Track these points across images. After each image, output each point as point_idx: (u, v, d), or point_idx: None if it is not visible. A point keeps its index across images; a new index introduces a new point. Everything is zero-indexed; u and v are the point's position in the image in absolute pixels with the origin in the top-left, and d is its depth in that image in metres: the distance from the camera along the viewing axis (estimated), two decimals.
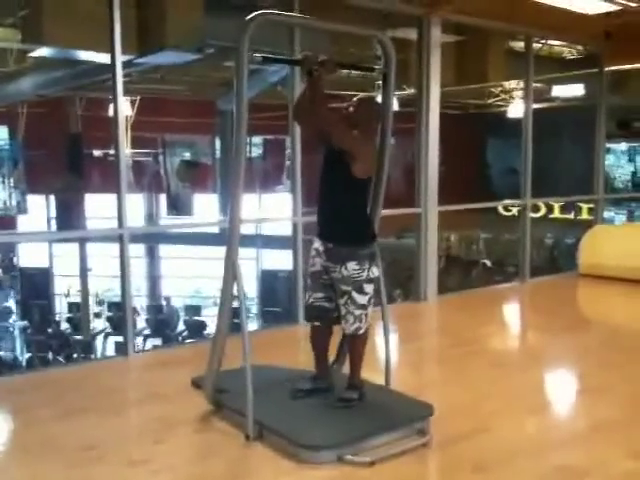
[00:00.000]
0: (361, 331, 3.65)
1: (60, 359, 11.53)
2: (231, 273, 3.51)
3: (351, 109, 3.63)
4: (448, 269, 16.54)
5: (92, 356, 11.97)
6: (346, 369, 3.90)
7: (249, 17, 3.30)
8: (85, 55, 6.63)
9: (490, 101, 15.39)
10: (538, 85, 11.97)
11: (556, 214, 17.17)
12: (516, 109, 11.82)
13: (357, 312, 3.60)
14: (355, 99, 3.71)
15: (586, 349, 5.35)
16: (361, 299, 3.59)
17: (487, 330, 5.86)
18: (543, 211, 17.21)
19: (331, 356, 4.02)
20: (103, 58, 6.21)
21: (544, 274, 8.85)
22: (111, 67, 4.88)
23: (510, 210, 15.93)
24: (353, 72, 10.79)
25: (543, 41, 9.14)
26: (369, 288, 3.62)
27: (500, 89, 14.30)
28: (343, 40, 7.04)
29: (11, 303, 15.24)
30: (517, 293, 7.76)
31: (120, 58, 4.88)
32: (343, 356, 4.03)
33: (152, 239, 16.70)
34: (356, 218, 3.67)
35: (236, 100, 3.33)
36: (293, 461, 3.25)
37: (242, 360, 3.49)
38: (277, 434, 3.41)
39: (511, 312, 7.29)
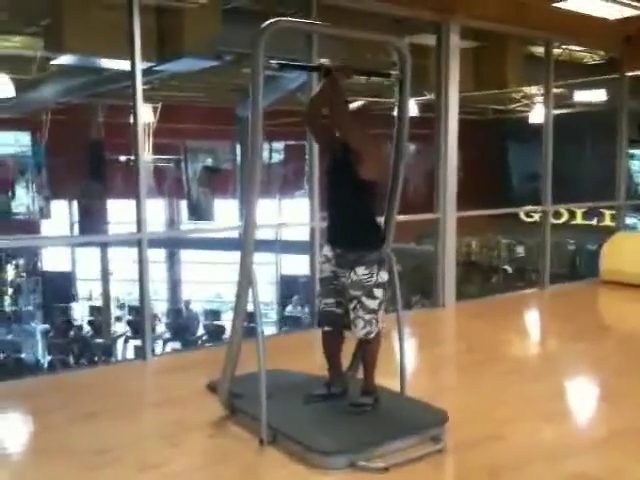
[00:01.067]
0: (371, 335, 3.64)
1: (81, 362, 11.64)
2: (246, 279, 3.53)
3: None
4: (468, 275, 16.50)
5: (112, 359, 12.05)
6: (361, 375, 3.91)
7: (265, 24, 3.33)
8: (105, 62, 6.71)
9: (512, 107, 15.29)
10: (559, 90, 11.92)
11: (578, 220, 17.01)
12: (538, 114, 11.72)
13: (367, 317, 3.61)
14: (354, 105, 3.67)
15: (603, 356, 5.30)
16: (371, 304, 3.60)
17: (504, 337, 5.82)
18: (565, 217, 17.09)
19: (347, 362, 4.04)
20: (123, 65, 6.31)
21: (566, 281, 8.77)
22: (131, 74, 4.95)
23: (532, 216, 15.81)
24: (372, 78, 10.81)
25: (564, 46, 9.07)
26: (379, 292, 3.62)
27: (522, 94, 14.20)
28: (359, 46, 7.04)
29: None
30: (536, 300, 7.70)
31: (140, 66, 4.95)
32: (357, 362, 4.03)
33: (173, 244, 16.82)
34: (364, 223, 3.67)
35: (251, 106, 3.36)
36: (306, 466, 3.25)
37: (257, 365, 3.51)
38: (290, 439, 3.42)
39: (529, 319, 7.21)
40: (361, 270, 3.56)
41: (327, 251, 3.73)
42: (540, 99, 12.83)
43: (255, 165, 3.43)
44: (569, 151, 13.76)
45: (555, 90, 11.61)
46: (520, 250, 17.35)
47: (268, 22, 3.32)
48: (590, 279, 8.42)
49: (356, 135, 3.49)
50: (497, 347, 5.49)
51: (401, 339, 3.97)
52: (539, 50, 8.43)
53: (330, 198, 3.72)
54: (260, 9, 6.40)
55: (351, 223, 3.64)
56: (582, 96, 11.64)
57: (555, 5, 6.50)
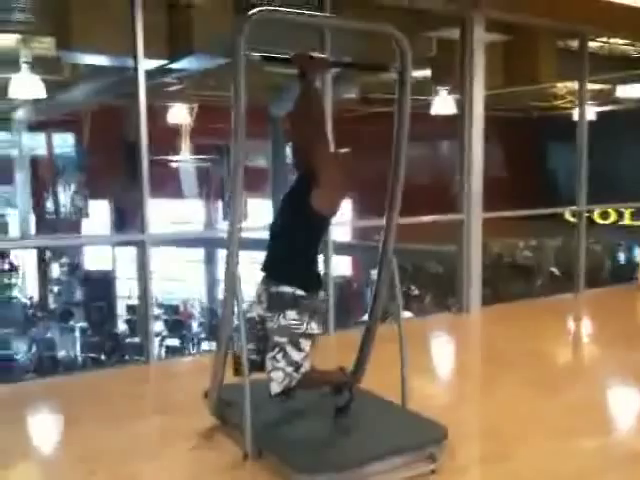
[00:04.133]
0: (292, 384, 3.23)
1: (112, 360, 11.70)
2: (231, 284, 3.35)
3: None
4: (513, 277, 16.04)
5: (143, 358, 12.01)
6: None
7: (247, 14, 3.15)
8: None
9: (556, 103, 14.76)
10: (603, 86, 11.41)
11: (627, 221, 16.40)
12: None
13: (288, 369, 3.21)
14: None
15: (635, 368, 4.92)
16: (295, 355, 3.21)
17: (527, 345, 5.44)
18: (613, 217, 16.51)
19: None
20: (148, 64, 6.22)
21: (614, 283, 8.36)
22: (134, 72, 4.85)
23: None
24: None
25: (603, 39, 8.63)
26: (306, 345, 3.24)
27: (565, 90, 13.69)
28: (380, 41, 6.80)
29: None
30: (568, 305, 7.30)
31: (143, 63, 4.86)
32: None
33: (212, 244, 16.83)
34: (305, 262, 3.33)
35: (234, 102, 3.17)
36: None
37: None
38: (274, 455, 3.23)
39: (556, 326, 6.64)
40: (292, 314, 3.20)
41: (260, 291, 3.38)
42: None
43: (238, 164, 3.25)
44: (614, 149, 13.23)
45: (597, 86, 11.18)
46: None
47: (251, 12, 3.14)
48: (628, 284, 7.98)
49: (319, 153, 3.21)
50: (518, 356, 5.14)
51: (402, 347, 3.74)
52: (575, 43, 8.02)
53: (277, 226, 3.39)
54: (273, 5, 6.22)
55: (293, 260, 3.29)
56: (625, 91, 11.09)
57: None
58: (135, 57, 4.79)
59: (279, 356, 3.21)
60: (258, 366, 3.32)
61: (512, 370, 4.80)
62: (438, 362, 5.35)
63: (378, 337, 3.89)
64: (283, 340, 3.21)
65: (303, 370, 3.25)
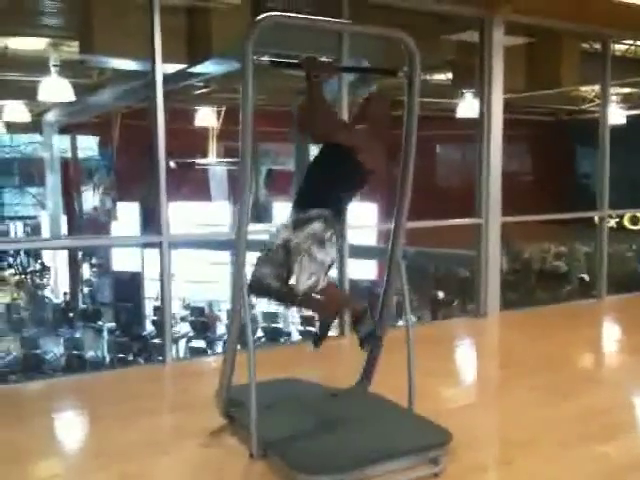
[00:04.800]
0: (318, 287, 3.26)
1: (138, 360, 11.86)
2: (238, 287, 3.39)
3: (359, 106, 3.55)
4: (541, 283, 15.88)
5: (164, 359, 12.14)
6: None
7: (256, 19, 3.19)
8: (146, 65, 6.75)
9: (585, 107, 14.61)
10: (632, 90, 11.27)
11: None
12: (614, 115, 11.00)
13: (314, 267, 3.24)
14: (364, 96, 3.56)
15: None
16: (321, 254, 3.25)
17: (541, 350, 5.38)
18: None
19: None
20: (170, 67, 6.34)
21: None
22: (152, 76, 4.93)
23: (608, 222, 15.04)
24: (434, 78, 10.53)
25: (630, 42, 8.53)
26: (331, 250, 3.31)
27: (594, 94, 13.54)
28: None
29: None
30: (589, 311, 7.20)
31: (160, 66, 4.93)
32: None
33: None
34: (336, 200, 3.43)
35: (242, 104, 3.22)
36: None
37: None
38: (279, 455, 3.26)
39: (574, 332, 6.34)
40: (317, 225, 3.28)
41: (287, 220, 3.47)
42: (614, 98, 12.14)
43: (246, 167, 3.30)
44: None
45: (626, 89, 11.03)
46: None
47: (260, 16, 3.18)
48: None
49: (342, 135, 3.35)
50: (532, 362, 5.07)
51: (409, 351, 3.74)
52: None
53: (317, 172, 3.48)
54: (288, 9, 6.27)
55: (323, 192, 3.38)
56: None
57: None
58: (153, 61, 4.86)
59: (305, 259, 3.24)
60: (275, 294, 3.42)
61: (524, 375, 4.76)
62: (450, 366, 5.30)
63: (391, 341, 3.91)
64: (307, 244, 3.26)
65: (324, 278, 3.29)
